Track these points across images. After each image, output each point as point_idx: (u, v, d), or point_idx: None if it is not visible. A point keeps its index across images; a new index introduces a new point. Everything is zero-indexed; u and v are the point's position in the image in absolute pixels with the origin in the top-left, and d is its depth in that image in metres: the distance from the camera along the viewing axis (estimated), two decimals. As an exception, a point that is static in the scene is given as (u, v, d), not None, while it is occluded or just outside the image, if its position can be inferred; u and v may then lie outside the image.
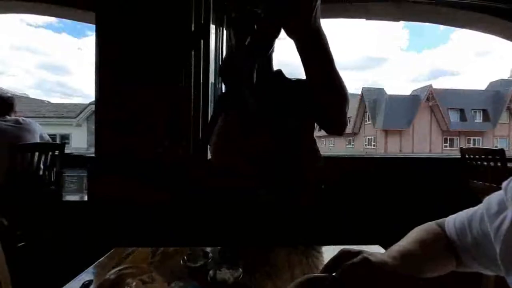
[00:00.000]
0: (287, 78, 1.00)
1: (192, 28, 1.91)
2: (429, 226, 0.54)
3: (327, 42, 0.65)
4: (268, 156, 0.90)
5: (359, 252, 0.44)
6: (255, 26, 0.81)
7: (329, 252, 0.77)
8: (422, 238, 0.50)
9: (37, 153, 2.01)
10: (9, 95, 2.18)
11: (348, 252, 0.45)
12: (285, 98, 0.91)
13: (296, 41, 0.64)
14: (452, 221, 0.52)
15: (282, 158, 0.90)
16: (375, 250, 0.80)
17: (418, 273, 0.45)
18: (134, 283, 0.41)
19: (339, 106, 0.73)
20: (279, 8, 0.58)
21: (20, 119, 2.08)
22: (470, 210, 0.50)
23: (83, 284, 0.53)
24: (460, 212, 0.52)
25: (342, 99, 0.72)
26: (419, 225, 0.55)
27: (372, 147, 24.95)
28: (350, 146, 28.50)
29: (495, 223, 0.42)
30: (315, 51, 0.65)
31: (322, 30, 0.63)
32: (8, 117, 2.05)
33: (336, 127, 0.80)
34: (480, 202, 0.49)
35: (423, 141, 23.67)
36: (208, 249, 0.70)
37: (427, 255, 0.47)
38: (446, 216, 0.54)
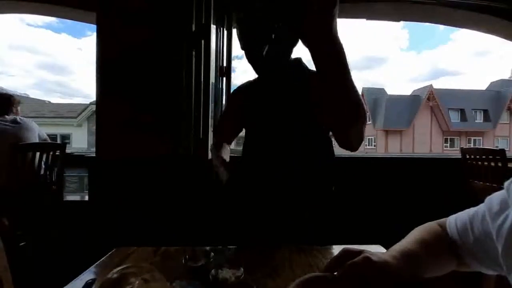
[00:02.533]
0: (306, 68, 0.94)
1: (193, 28, 1.91)
2: (430, 226, 0.54)
3: (344, 53, 0.56)
4: (279, 155, 0.90)
5: (361, 252, 0.44)
6: (272, 36, 0.76)
7: (330, 251, 0.77)
8: (424, 238, 0.50)
9: (38, 153, 2.02)
10: (10, 94, 2.19)
11: (350, 251, 0.45)
12: (300, 91, 0.86)
13: (311, 50, 0.55)
14: (454, 221, 0.52)
15: (292, 159, 0.89)
16: (376, 250, 0.80)
17: (420, 272, 0.45)
18: (137, 282, 0.42)
19: (352, 125, 0.63)
20: (296, 16, 0.52)
21: (18, 118, 2.09)
22: (472, 210, 0.50)
23: (86, 282, 0.53)
24: (461, 212, 0.52)
25: (356, 117, 0.61)
26: (419, 225, 0.55)
27: (373, 147, 24.93)
28: (350, 146, 28.42)
29: (497, 222, 0.43)
30: (331, 61, 0.55)
31: (339, 40, 0.54)
32: (6, 117, 2.05)
33: (348, 146, 0.69)
34: (481, 202, 0.49)
35: (424, 141, 23.65)
36: (209, 248, 0.71)
37: (429, 254, 0.47)
38: (447, 216, 0.55)
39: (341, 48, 0.55)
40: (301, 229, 0.89)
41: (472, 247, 0.48)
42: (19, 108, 2.22)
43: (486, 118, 23.96)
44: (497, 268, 0.45)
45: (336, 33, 0.53)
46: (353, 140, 0.67)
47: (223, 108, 2.01)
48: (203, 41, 1.90)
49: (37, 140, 2.13)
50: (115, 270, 0.44)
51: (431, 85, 23.73)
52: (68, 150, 2.24)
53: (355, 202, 2.29)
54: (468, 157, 2.37)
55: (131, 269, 0.44)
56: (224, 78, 2.13)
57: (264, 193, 0.92)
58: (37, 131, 2.18)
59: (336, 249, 0.78)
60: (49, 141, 2.35)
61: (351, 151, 0.71)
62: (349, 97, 0.59)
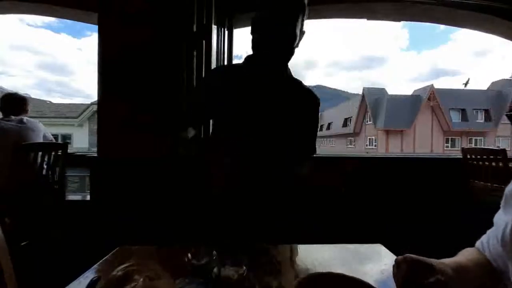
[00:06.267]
0: (305, 89, 1.00)
1: (194, 29, 1.92)
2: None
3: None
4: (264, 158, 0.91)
5: (431, 266, 0.44)
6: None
7: (331, 250, 0.77)
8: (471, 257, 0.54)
9: (40, 153, 2.02)
10: (23, 96, 2.23)
11: (416, 261, 0.45)
12: (289, 104, 0.91)
13: None
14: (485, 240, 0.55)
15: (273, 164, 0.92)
16: (377, 249, 0.81)
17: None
18: (141, 280, 0.42)
19: None
20: None
21: (24, 118, 2.10)
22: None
23: (91, 280, 0.54)
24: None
25: None
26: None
27: (373, 147, 24.91)
28: (351, 146, 28.44)
29: (503, 229, 0.47)
30: None
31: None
32: (12, 117, 2.06)
33: None
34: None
35: (425, 141, 23.63)
36: (212, 247, 0.71)
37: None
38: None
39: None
40: (302, 228, 0.89)
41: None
42: (28, 108, 2.25)
43: (487, 118, 23.92)
44: None
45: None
46: None
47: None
48: (204, 42, 1.90)
49: (41, 141, 2.14)
50: (119, 268, 0.45)
51: (432, 85, 23.71)
52: (69, 150, 2.25)
53: (356, 202, 2.29)
54: (469, 157, 2.37)
55: (135, 267, 0.45)
56: (225, 78, 2.13)
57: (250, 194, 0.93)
58: (43, 132, 2.18)
59: (338, 248, 0.79)
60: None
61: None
62: None
